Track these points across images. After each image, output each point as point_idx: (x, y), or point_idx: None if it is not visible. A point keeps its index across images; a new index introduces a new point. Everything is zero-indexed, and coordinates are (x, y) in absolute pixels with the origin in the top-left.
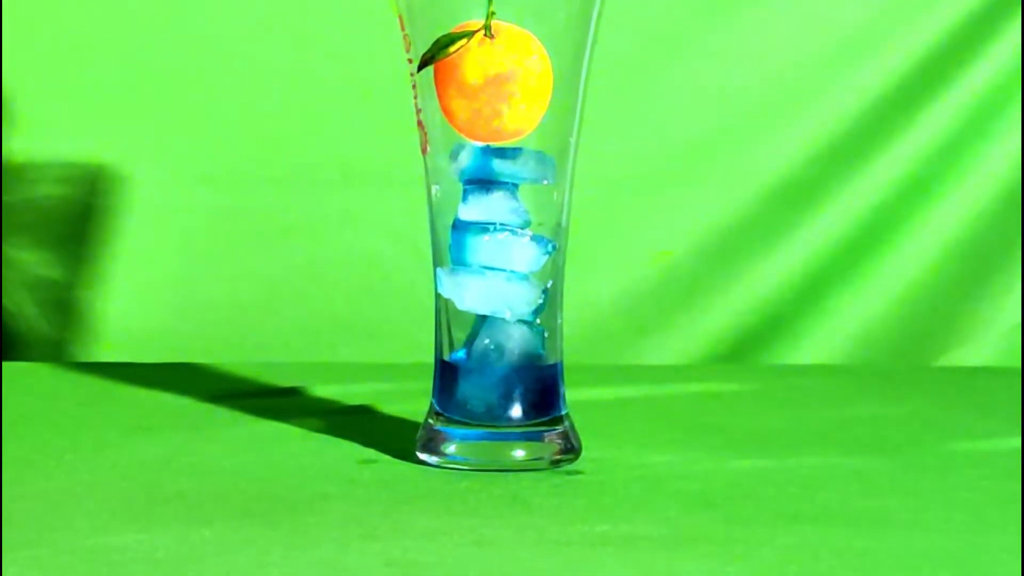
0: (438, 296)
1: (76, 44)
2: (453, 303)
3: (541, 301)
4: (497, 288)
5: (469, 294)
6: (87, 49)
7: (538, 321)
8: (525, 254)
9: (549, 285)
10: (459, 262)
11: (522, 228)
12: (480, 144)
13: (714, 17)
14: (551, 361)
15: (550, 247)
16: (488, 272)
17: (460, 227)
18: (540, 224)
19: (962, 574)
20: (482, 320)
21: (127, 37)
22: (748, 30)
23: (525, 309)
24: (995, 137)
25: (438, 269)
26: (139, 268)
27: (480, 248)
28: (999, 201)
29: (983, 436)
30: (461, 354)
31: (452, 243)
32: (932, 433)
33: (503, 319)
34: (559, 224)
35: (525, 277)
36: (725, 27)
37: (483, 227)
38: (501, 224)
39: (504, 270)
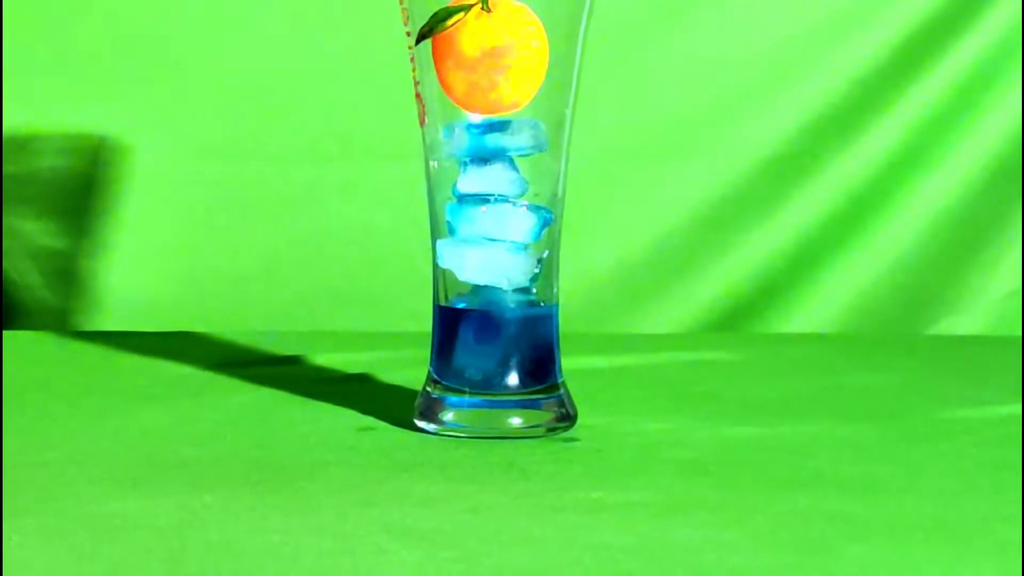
0: (436, 266)
1: (77, 15)
2: (452, 274)
3: (537, 270)
4: (496, 259)
5: (468, 265)
6: (88, 20)
7: (534, 290)
8: (523, 225)
9: (545, 255)
10: (458, 233)
11: (520, 198)
12: (472, 122)
13: None
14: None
15: (547, 217)
16: (487, 243)
17: (459, 199)
18: (536, 195)
19: (954, 540)
20: (479, 288)
21: (128, 9)
22: (742, 2)
23: (522, 278)
24: (986, 109)
25: (438, 241)
26: (141, 238)
27: (479, 219)
28: (990, 172)
29: (975, 404)
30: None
31: (451, 214)
32: (924, 401)
33: (500, 288)
34: (555, 195)
35: (523, 247)
36: (718, 0)
37: (482, 198)
38: (500, 195)
39: (503, 240)
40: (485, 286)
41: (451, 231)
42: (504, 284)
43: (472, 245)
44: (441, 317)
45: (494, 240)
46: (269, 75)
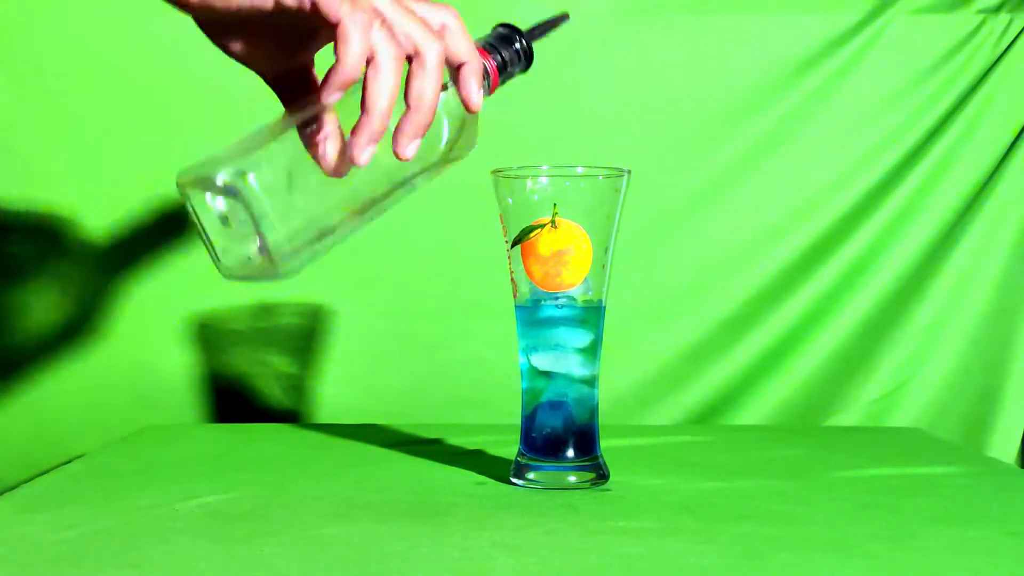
0: (523, 384)
1: None
2: (532, 388)
3: (586, 369)
4: (563, 359)
5: (545, 361)
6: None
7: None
8: (579, 338)
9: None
10: (536, 347)
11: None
12: (545, 294)
13: (690, 210)
14: (591, 418)
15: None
16: (560, 348)
17: (538, 335)
18: (587, 330)
19: (840, 551)
20: (550, 386)
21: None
22: (714, 224)
23: (579, 371)
24: (860, 286)
25: (531, 355)
26: (343, 367)
27: (552, 336)
28: (862, 329)
29: (849, 468)
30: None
31: (531, 341)
32: (821, 466)
33: (565, 376)
34: (596, 341)
35: (579, 349)
36: (700, 218)
37: (552, 333)
38: (565, 332)
39: (566, 347)
40: (553, 387)
41: (535, 346)
42: (566, 370)
43: (548, 350)
44: (525, 415)
45: (561, 347)
46: (424, 268)
